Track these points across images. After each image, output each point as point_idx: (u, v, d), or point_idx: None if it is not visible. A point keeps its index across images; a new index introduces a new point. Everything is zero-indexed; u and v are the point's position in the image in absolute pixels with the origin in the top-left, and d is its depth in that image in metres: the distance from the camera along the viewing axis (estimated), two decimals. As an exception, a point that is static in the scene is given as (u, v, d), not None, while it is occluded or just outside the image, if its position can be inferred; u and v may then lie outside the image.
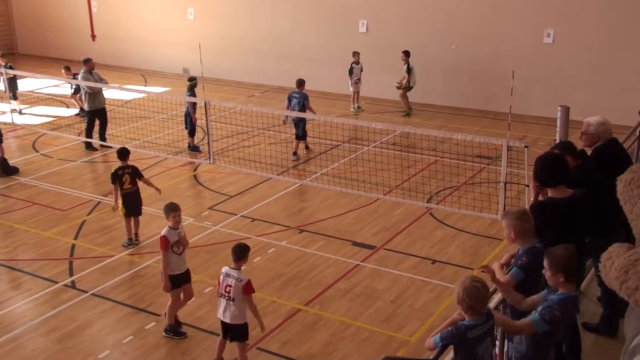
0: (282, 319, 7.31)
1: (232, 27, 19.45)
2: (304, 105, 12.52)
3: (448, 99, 16.78)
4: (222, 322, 6.22)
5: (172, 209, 6.76)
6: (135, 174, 9.11)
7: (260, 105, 16.23)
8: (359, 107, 16.35)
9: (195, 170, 12.41)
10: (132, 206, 9.09)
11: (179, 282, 6.86)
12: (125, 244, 9.12)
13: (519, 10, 15.55)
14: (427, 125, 14.53)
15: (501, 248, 8.83)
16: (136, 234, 9.17)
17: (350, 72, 16.13)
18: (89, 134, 13.56)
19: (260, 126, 14.35)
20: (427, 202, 10.58)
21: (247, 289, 5.99)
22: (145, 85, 19.41)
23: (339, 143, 13.45)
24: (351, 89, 16.25)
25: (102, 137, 13.67)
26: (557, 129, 8.26)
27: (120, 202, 9.03)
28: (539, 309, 4.13)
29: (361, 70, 16.15)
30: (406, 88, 15.83)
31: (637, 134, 8.67)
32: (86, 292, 8.02)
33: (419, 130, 10.88)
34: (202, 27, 19.92)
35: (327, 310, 7.51)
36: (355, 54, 16.05)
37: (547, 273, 4.17)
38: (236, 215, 10.18)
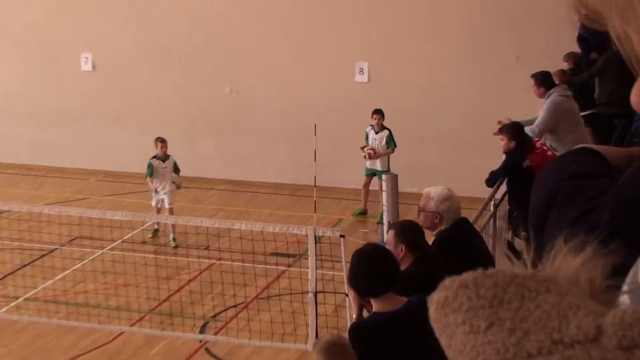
0: None
1: None
2: None
3: (224, 169, 16.88)
4: None
5: None
6: None
7: None
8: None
9: None
10: None
11: None
12: None
13: (325, 43, 16.33)
14: (196, 210, 14.41)
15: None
16: None
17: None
18: None
19: None
20: (201, 331, 10.58)
21: None
22: None
23: (55, 246, 12.88)
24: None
25: None
26: (384, 207, 8.40)
27: None
28: None
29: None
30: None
31: (491, 208, 9.09)
32: None
33: (181, 220, 10.72)
34: None
35: None
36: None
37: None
38: None
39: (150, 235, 13.86)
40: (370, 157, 14.34)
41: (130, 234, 13.48)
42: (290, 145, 16.46)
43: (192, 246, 12.95)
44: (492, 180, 9.38)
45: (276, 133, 16.57)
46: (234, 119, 16.81)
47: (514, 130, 9.36)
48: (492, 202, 9.13)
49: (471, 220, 7.30)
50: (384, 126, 14.50)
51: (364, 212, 15.04)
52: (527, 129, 9.68)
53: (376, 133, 14.50)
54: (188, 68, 17.00)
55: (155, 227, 13.94)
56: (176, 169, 14.12)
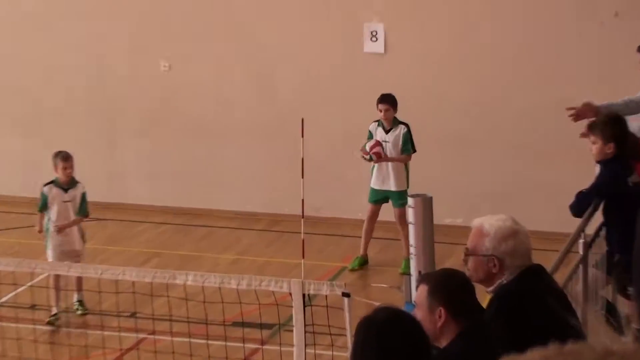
0: None
1: None
2: None
3: (162, 192, 17.03)
4: None
5: None
6: None
7: None
8: None
9: None
10: None
11: None
12: None
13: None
14: (115, 255, 14.56)
15: None
16: None
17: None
18: None
19: None
20: None
21: None
22: None
23: None
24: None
25: None
26: (411, 249, 8.40)
27: None
28: None
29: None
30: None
31: (580, 250, 9.00)
32: None
33: (92, 271, 10.92)
34: None
35: None
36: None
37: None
38: None
39: (49, 318, 13.57)
40: (379, 158, 14.18)
41: (11, 294, 13.47)
42: (264, 152, 16.51)
43: (109, 312, 12.92)
44: (581, 205, 9.36)
45: (242, 133, 16.59)
46: (176, 113, 16.88)
47: (612, 128, 9.26)
48: (582, 240, 9.00)
49: (548, 268, 7.23)
50: (397, 120, 14.46)
51: (364, 261, 14.84)
52: (635, 126, 9.52)
53: (386, 132, 14.41)
54: (99, 33, 16.99)
55: (54, 310, 13.59)
56: (83, 207, 13.70)
